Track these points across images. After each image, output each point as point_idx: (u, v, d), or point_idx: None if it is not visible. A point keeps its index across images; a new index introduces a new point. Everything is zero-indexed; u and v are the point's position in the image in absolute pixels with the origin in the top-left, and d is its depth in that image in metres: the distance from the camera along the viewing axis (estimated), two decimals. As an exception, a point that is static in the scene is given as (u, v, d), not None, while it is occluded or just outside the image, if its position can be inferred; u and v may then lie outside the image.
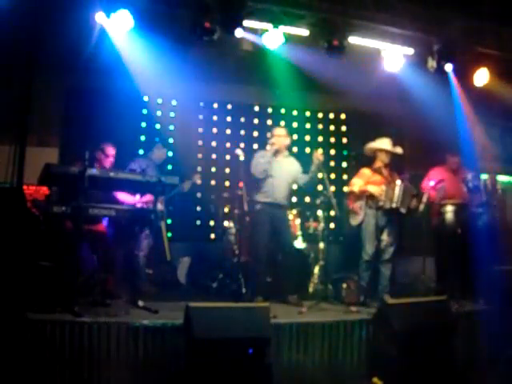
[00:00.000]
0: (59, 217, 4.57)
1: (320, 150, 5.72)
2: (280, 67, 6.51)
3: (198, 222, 7.92)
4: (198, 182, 6.77)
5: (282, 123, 8.11)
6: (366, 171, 5.96)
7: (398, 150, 6.00)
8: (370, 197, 5.76)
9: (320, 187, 6.77)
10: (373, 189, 5.76)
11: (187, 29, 5.56)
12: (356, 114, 8.53)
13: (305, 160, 6.07)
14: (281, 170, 5.77)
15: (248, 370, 4.07)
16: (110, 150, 5.66)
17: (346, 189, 6.07)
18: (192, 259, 6.98)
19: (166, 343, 4.27)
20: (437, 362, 4.59)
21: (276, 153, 5.81)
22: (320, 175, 5.68)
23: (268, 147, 5.83)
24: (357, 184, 5.88)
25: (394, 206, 5.65)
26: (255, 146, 7.70)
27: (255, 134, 8.21)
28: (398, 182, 5.73)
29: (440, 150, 6.86)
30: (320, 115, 8.66)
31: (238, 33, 5.54)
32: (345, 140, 8.73)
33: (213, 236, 7.83)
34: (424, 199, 6.24)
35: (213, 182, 8.00)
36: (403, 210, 5.70)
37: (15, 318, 3.88)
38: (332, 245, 7.25)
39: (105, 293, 5.00)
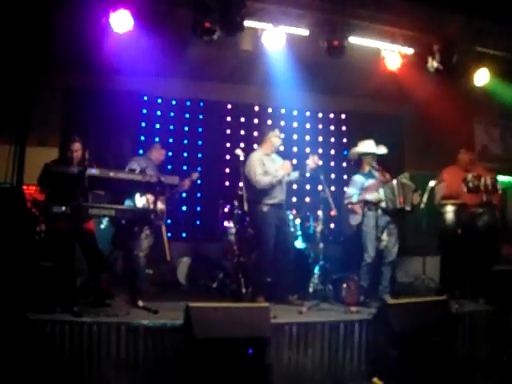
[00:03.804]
0: (59, 217, 4.56)
1: (316, 157, 5.66)
2: (280, 67, 6.51)
3: (198, 222, 7.92)
4: (195, 177, 6.78)
5: (282, 123, 8.14)
6: (357, 178, 5.90)
7: (382, 150, 5.94)
8: (370, 203, 5.75)
9: (319, 187, 6.79)
10: (371, 196, 5.74)
11: (187, 28, 5.55)
12: (356, 114, 8.53)
13: (304, 160, 6.07)
14: (278, 170, 5.73)
15: (248, 369, 4.07)
16: (74, 146, 5.27)
17: (345, 200, 6.00)
18: (192, 259, 6.97)
19: (165, 343, 4.26)
20: (437, 362, 4.59)
21: (274, 152, 5.82)
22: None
23: (266, 147, 5.83)
24: (354, 194, 5.83)
25: (398, 206, 5.62)
26: (255, 146, 7.69)
27: (255, 134, 8.21)
28: (394, 181, 5.71)
29: (440, 150, 6.87)
30: (320, 115, 8.67)
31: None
32: (345, 140, 8.73)
33: (213, 236, 7.83)
34: (424, 199, 6.24)
35: (213, 182, 8.00)
36: (408, 208, 5.69)
37: (15, 317, 3.88)
38: (332, 245, 7.25)
39: (104, 293, 5.00)
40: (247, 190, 5.64)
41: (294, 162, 7.46)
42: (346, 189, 6.09)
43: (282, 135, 5.99)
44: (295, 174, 5.86)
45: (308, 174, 5.75)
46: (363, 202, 5.76)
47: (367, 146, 5.92)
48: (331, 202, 5.64)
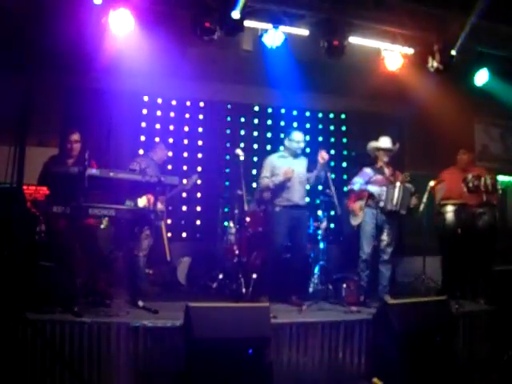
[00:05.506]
0: (59, 217, 4.55)
1: (324, 152, 5.58)
2: (280, 67, 6.51)
3: (198, 222, 7.92)
4: (195, 178, 6.78)
5: (282, 123, 8.15)
6: (367, 170, 5.91)
7: (397, 146, 5.95)
8: (370, 196, 5.74)
9: (319, 187, 6.80)
10: (372, 189, 5.73)
11: (187, 28, 5.56)
12: (356, 114, 8.53)
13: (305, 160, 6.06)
14: (294, 172, 5.67)
15: (248, 370, 4.07)
16: (73, 137, 5.35)
17: (346, 188, 6.02)
18: (192, 259, 6.97)
19: (165, 343, 4.26)
20: (437, 362, 4.59)
21: (290, 156, 5.80)
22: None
23: (284, 150, 5.83)
24: (357, 183, 5.85)
25: (393, 209, 5.62)
26: (255, 146, 7.71)
27: (255, 133, 8.22)
28: (398, 183, 5.70)
29: (440, 150, 6.87)
30: (320, 115, 8.66)
31: (235, 15, 5.49)
32: (345, 140, 8.73)
33: (213, 236, 7.83)
34: (424, 199, 6.24)
35: (213, 182, 8.00)
36: (403, 212, 5.68)
37: (15, 317, 3.88)
38: (332, 245, 7.25)
39: (104, 293, 4.99)
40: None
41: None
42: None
43: (300, 138, 5.81)
44: (309, 175, 5.80)
45: (320, 171, 5.67)
46: (364, 199, 5.76)
47: (384, 142, 5.92)
48: (336, 201, 5.59)
